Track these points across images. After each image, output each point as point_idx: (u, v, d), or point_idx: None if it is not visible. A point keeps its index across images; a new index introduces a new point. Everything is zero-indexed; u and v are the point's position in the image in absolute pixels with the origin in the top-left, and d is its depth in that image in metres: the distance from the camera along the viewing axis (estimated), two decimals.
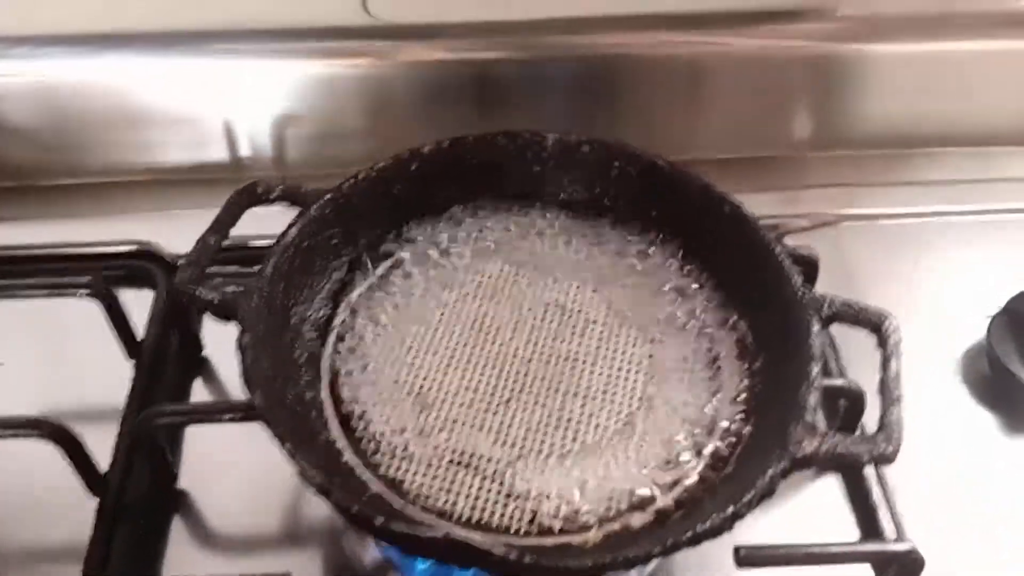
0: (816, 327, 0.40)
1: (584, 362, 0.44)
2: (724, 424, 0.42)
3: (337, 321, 0.46)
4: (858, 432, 0.46)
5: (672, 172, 0.47)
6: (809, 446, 0.36)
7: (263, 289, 0.42)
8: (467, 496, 0.39)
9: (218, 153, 0.65)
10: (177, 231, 0.52)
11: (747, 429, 0.41)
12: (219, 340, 0.53)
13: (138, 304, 0.54)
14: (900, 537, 0.42)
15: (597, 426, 0.42)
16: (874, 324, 0.40)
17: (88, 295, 0.52)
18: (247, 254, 0.52)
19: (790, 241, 0.48)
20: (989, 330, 0.52)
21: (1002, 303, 0.53)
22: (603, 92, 0.64)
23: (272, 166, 0.65)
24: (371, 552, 0.43)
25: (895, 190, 0.65)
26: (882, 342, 0.40)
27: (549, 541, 0.37)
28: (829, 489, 0.47)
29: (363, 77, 0.62)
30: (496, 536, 0.37)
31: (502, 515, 0.39)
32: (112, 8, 0.61)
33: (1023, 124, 0.67)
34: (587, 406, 0.43)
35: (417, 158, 0.49)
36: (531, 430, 0.42)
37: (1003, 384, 0.51)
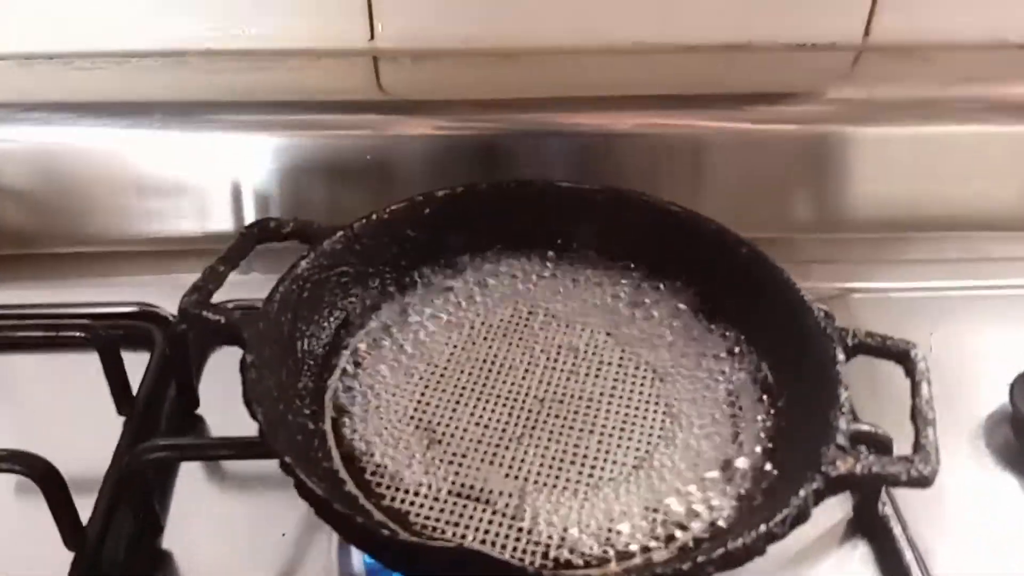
0: (841, 356, 0.39)
1: (599, 401, 0.43)
2: (748, 461, 0.40)
3: (343, 356, 0.44)
4: None
5: (686, 217, 0.47)
6: (844, 466, 0.34)
7: (269, 314, 0.41)
8: (477, 530, 0.37)
9: (223, 223, 0.65)
10: (177, 298, 0.52)
11: (772, 465, 0.39)
12: (215, 399, 0.52)
13: (134, 367, 0.52)
14: None
15: (614, 462, 0.40)
16: (901, 353, 0.39)
17: (86, 342, 0.50)
18: None
19: None
20: (1012, 393, 0.51)
21: (1022, 369, 0.52)
22: (601, 169, 0.65)
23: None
24: None
25: (900, 267, 0.65)
26: (910, 371, 0.38)
27: (567, 573, 0.35)
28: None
29: (373, 148, 0.63)
30: None
31: (515, 548, 0.36)
32: (120, 78, 0.63)
33: (1019, 209, 0.68)
34: (603, 443, 0.41)
35: (430, 203, 0.48)
36: (545, 465, 0.40)
37: None
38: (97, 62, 0.64)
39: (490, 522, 0.37)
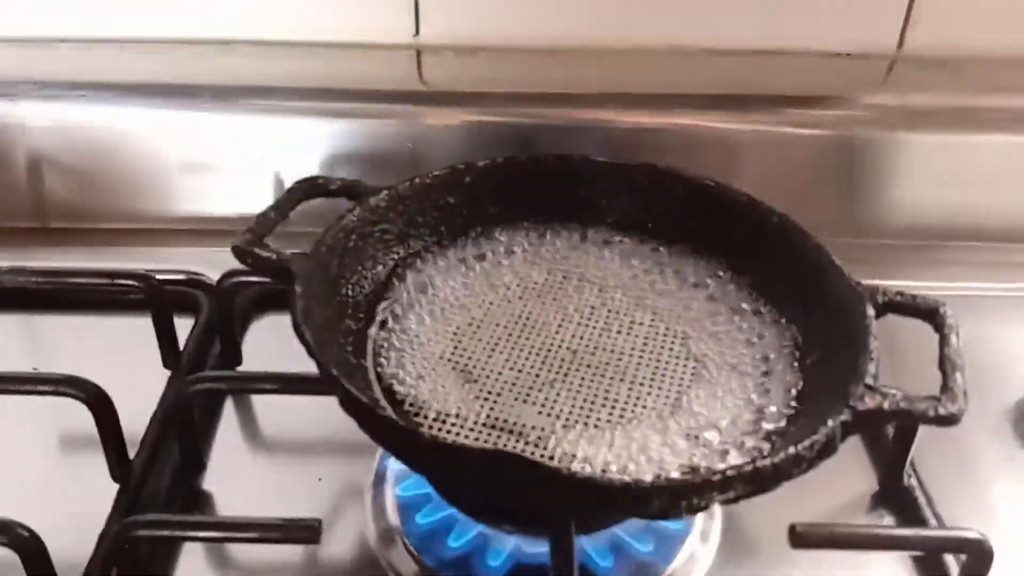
0: (871, 311, 0.40)
1: (631, 355, 0.44)
2: (777, 408, 0.40)
3: (384, 305, 0.46)
4: None
5: (718, 189, 0.49)
6: (872, 402, 0.35)
7: (318, 255, 0.43)
8: None
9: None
10: (221, 270, 0.54)
11: (802, 412, 0.40)
12: (257, 360, 0.53)
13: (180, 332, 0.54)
14: None
15: (644, 407, 0.41)
16: (930, 310, 0.40)
17: (139, 292, 0.52)
18: None
19: None
20: None
21: None
22: None
23: (309, 221, 0.66)
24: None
25: (928, 270, 0.65)
26: (939, 325, 0.39)
27: (598, 477, 0.35)
28: None
29: (413, 137, 0.65)
30: None
31: None
32: (171, 62, 0.66)
33: None
34: (633, 390, 0.42)
35: (471, 171, 0.50)
36: (576, 406, 0.41)
37: None
38: (150, 47, 0.67)
39: (522, 451, 0.38)
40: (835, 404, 0.36)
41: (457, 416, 0.40)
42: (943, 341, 0.38)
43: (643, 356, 0.44)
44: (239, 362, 0.54)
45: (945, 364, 0.37)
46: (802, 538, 0.36)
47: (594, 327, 0.45)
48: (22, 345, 0.58)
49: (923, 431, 0.46)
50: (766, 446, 0.38)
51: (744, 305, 0.47)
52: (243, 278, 0.53)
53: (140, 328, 0.54)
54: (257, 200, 0.65)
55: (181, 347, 0.53)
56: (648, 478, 0.34)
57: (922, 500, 0.45)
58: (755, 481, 0.32)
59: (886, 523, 0.45)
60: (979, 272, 0.64)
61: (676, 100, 0.66)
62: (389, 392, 0.41)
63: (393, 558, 0.43)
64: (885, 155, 0.66)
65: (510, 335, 0.45)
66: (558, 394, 0.41)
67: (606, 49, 0.69)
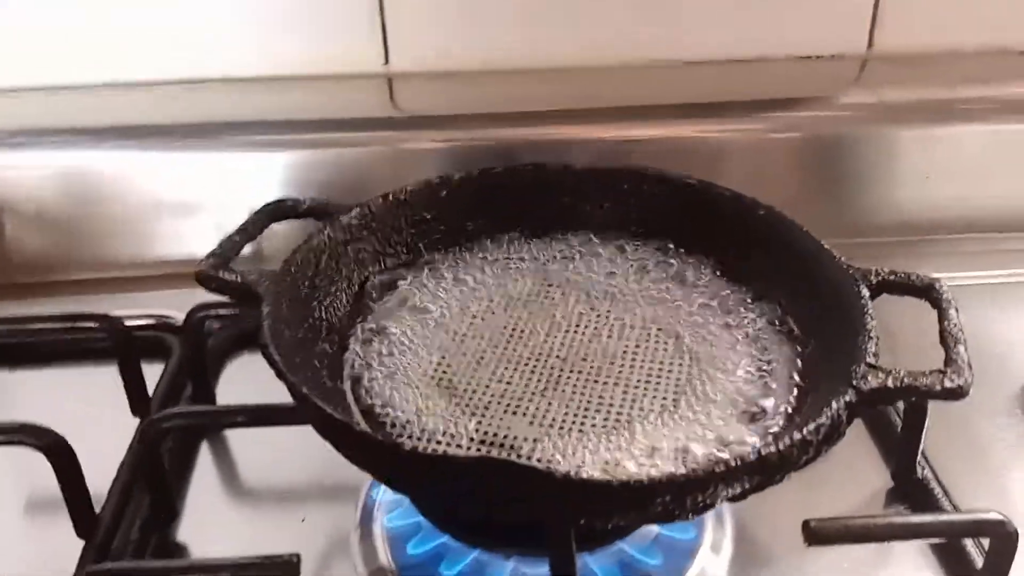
0: (866, 292, 0.38)
1: (623, 358, 0.42)
2: (778, 402, 0.39)
3: (361, 324, 0.44)
4: None
5: (702, 187, 0.48)
6: (876, 380, 0.33)
7: (286, 277, 0.41)
8: None
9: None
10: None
11: (803, 402, 0.38)
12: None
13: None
14: None
15: (641, 409, 0.39)
16: (925, 286, 0.38)
17: (104, 339, 0.50)
18: None
19: None
20: None
21: None
22: None
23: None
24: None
25: (915, 263, 0.63)
26: (936, 300, 0.38)
27: (593, 479, 0.33)
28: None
29: (388, 162, 0.64)
30: None
31: None
32: (140, 104, 0.65)
33: None
34: (628, 393, 0.40)
35: (447, 185, 0.49)
36: (569, 414, 0.39)
37: None
38: (119, 90, 0.66)
39: None
40: (838, 388, 0.34)
41: (444, 433, 0.38)
42: (942, 315, 0.37)
43: (636, 359, 0.42)
44: (213, 403, 0.52)
45: (947, 338, 0.35)
46: (816, 534, 0.34)
47: (583, 333, 0.44)
48: None
49: (932, 421, 0.44)
50: (770, 441, 0.36)
51: (737, 300, 0.45)
52: (214, 311, 0.51)
53: (107, 378, 0.51)
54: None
55: (150, 394, 0.51)
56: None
57: (938, 491, 0.43)
58: (761, 471, 0.30)
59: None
60: (967, 262, 0.63)
61: (655, 111, 0.65)
62: (370, 415, 0.39)
63: None
64: (864, 152, 0.65)
65: (496, 347, 0.43)
66: (550, 403, 0.39)
67: (583, 67, 0.68)
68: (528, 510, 0.31)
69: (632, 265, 0.48)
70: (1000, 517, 0.35)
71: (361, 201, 0.48)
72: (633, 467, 0.35)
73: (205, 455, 0.49)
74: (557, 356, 0.42)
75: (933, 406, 0.43)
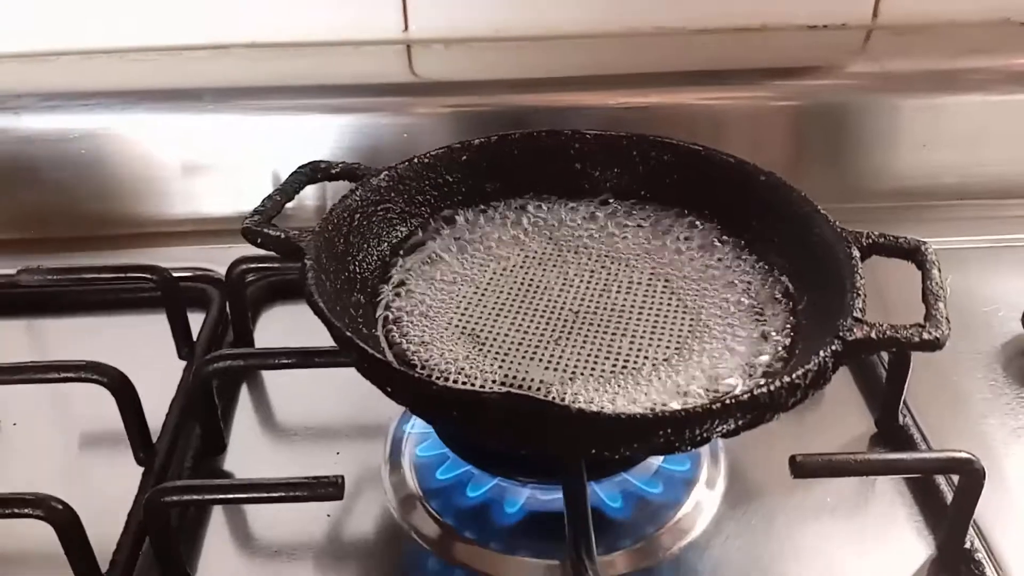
0: (856, 253, 0.42)
1: (631, 311, 0.46)
2: (772, 351, 0.42)
3: (391, 280, 0.48)
4: None
5: (708, 155, 0.51)
6: (860, 332, 0.37)
7: (324, 232, 0.45)
8: None
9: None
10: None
11: (795, 354, 0.41)
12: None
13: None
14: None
15: (646, 357, 0.43)
16: (912, 248, 0.42)
17: (152, 285, 0.54)
18: None
19: None
20: None
21: None
22: None
23: (315, 216, 0.68)
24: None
25: (912, 228, 0.66)
26: (920, 261, 0.41)
27: (604, 413, 0.37)
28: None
29: (407, 127, 0.67)
30: None
31: None
32: (175, 66, 0.68)
33: None
34: (635, 343, 0.44)
35: (467, 149, 0.52)
36: (582, 360, 0.43)
37: None
38: (147, 55, 0.69)
39: None
40: (826, 338, 0.38)
41: (468, 375, 0.42)
42: (925, 275, 0.40)
43: (643, 312, 0.46)
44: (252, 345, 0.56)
45: (928, 296, 0.39)
46: (802, 467, 0.38)
47: (594, 289, 0.47)
48: (35, 348, 0.60)
49: (917, 374, 0.48)
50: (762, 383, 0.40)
51: (737, 260, 0.49)
52: (252, 265, 0.55)
53: (152, 325, 0.56)
54: (257, 198, 0.68)
55: (194, 339, 0.55)
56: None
57: (917, 436, 0.47)
58: (753, 409, 0.34)
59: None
60: (962, 227, 0.66)
61: (663, 79, 0.68)
62: (402, 358, 0.43)
63: (416, 521, 0.45)
64: (867, 120, 0.68)
65: (514, 300, 0.47)
66: (563, 350, 0.43)
67: (594, 34, 0.71)
68: (545, 442, 0.35)
69: (640, 227, 0.51)
70: (968, 456, 0.39)
71: (386, 164, 0.52)
72: (638, 407, 0.39)
73: (244, 396, 0.54)
74: (570, 309, 0.46)
75: (918, 360, 0.47)
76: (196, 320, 0.57)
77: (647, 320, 0.45)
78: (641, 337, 0.44)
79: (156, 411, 0.49)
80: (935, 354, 0.38)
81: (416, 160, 0.51)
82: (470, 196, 0.53)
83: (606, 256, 0.50)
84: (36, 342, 0.61)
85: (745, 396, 0.34)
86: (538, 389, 0.41)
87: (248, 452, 0.50)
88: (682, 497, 0.44)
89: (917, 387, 0.49)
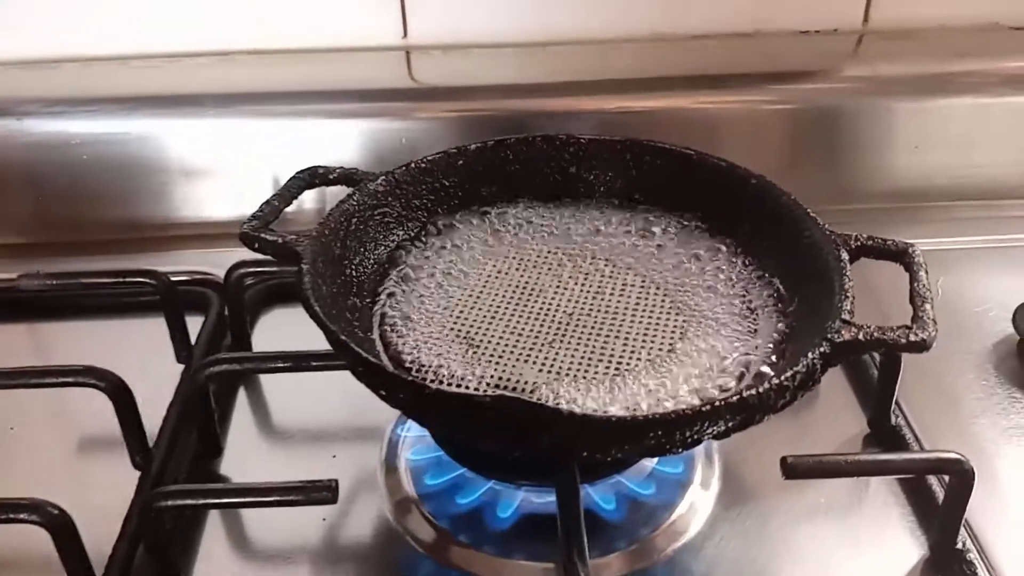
0: (845, 255, 0.42)
1: (624, 314, 0.46)
2: (763, 352, 0.43)
3: (387, 282, 0.48)
4: None
5: (700, 159, 0.51)
6: (848, 334, 0.37)
7: (321, 237, 0.45)
8: None
9: None
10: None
11: (786, 355, 0.42)
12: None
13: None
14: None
15: (639, 359, 0.43)
16: (900, 251, 0.42)
17: (152, 290, 0.54)
18: None
19: None
20: (1015, 319, 0.54)
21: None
22: None
23: (315, 219, 0.69)
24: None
25: (906, 229, 0.66)
26: (908, 264, 0.42)
27: (594, 415, 0.38)
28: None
29: (406, 132, 0.67)
30: None
31: None
32: (177, 72, 0.68)
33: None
34: (628, 345, 0.44)
35: (464, 154, 0.53)
36: (575, 363, 0.43)
37: None
38: (150, 62, 0.69)
39: None
40: (814, 340, 0.38)
41: (463, 378, 0.42)
42: (912, 277, 0.41)
43: (636, 314, 0.46)
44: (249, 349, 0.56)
45: (915, 297, 0.39)
46: (793, 468, 0.38)
47: (588, 291, 0.48)
48: (35, 352, 0.60)
49: (908, 374, 0.49)
50: (751, 385, 0.40)
51: (728, 263, 0.49)
52: (250, 269, 0.55)
53: (152, 329, 0.56)
54: (258, 202, 0.68)
55: (192, 343, 0.56)
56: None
57: (909, 436, 0.47)
58: (742, 412, 0.34)
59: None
60: (954, 228, 0.67)
61: (658, 83, 0.68)
62: (397, 361, 0.43)
63: (411, 525, 0.45)
64: (859, 124, 0.69)
65: (509, 303, 0.47)
66: (557, 353, 0.44)
67: (589, 40, 0.71)
68: (537, 444, 0.35)
69: (633, 229, 0.52)
70: (958, 456, 0.39)
71: (382, 168, 0.52)
72: (630, 409, 0.39)
73: (242, 400, 0.54)
74: (564, 311, 0.46)
75: (910, 360, 0.47)
76: (196, 323, 0.57)
77: (640, 322, 0.46)
78: (634, 339, 0.44)
79: (154, 414, 0.50)
80: (927, 354, 0.39)
81: (413, 165, 0.52)
82: (466, 200, 0.53)
83: (600, 259, 0.50)
84: (36, 346, 0.61)
85: (734, 398, 0.34)
86: (532, 391, 0.41)
87: (245, 455, 0.50)
88: (676, 498, 0.44)
89: (910, 387, 0.50)
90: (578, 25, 0.71)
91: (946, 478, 0.41)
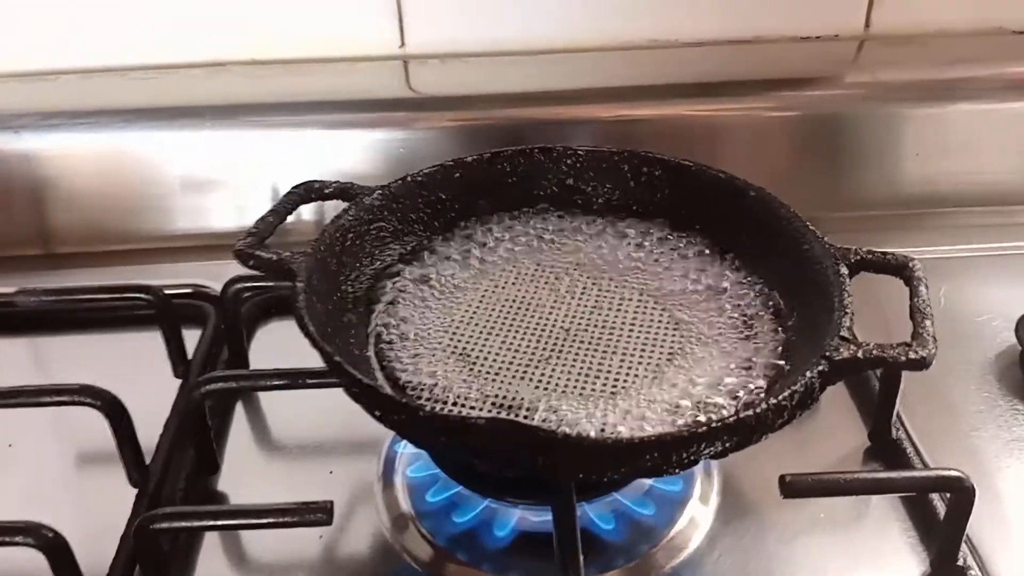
0: (844, 270, 0.42)
1: (621, 329, 0.46)
2: (762, 370, 0.42)
3: (383, 299, 0.48)
4: None
5: (698, 171, 0.51)
6: (847, 352, 0.37)
7: (316, 254, 0.45)
8: None
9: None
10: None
11: (786, 369, 0.42)
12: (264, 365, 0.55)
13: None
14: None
15: (636, 376, 0.43)
16: (900, 265, 0.42)
17: (148, 305, 0.54)
18: None
19: None
20: (1017, 330, 0.53)
21: None
22: None
23: (315, 230, 0.68)
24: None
25: (907, 237, 0.66)
26: (908, 278, 0.41)
27: (588, 439, 0.37)
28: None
29: (404, 142, 0.67)
30: None
31: None
32: (174, 83, 0.68)
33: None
34: (625, 361, 0.44)
35: (460, 167, 0.52)
36: (571, 379, 0.43)
37: None
38: (148, 73, 0.69)
39: None
40: (813, 358, 0.38)
41: (459, 396, 0.42)
42: (912, 292, 0.40)
43: (633, 330, 0.46)
44: (246, 367, 0.56)
45: (915, 313, 0.39)
46: (791, 487, 0.38)
47: (585, 306, 0.47)
48: (32, 367, 0.60)
49: (909, 386, 0.48)
50: (748, 404, 0.40)
51: (727, 276, 0.49)
52: (247, 283, 0.55)
53: (149, 342, 0.56)
54: (257, 213, 0.68)
55: (189, 357, 0.55)
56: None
57: (910, 450, 0.47)
58: (739, 432, 0.34)
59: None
60: (957, 235, 0.66)
61: (658, 91, 0.68)
62: (392, 380, 0.43)
63: (407, 543, 0.45)
64: (861, 130, 0.68)
65: (506, 319, 0.47)
66: (553, 369, 0.43)
67: (587, 48, 0.71)
68: (533, 465, 0.35)
69: (631, 242, 0.51)
70: (959, 474, 0.39)
71: (380, 178, 0.52)
72: (625, 429, 0.39)
73: (239, 415, 0.54)
74: (561, 327, 0.46)
75: (909, 372, 0.47)
76: (194, 336, 0.57)
77: (638, 337, 0.45)
78: (632, 354, 0.44)
79: (152, 429, 0.49)
80: None
81: (409, 178, 0.51)
82: (463, 213, 0.53)
83: (598, 272, 0.50)
84: (33, 361, 0.61)
85: (731, 419, 0.34)
86: (528, 409, 0.41)
87: (242, 471, 0.50)
88: (675, 515, 0.44)
89: (911, 398, 0.49)
90: (576, 34, 0.71)
91: (947, 494, 0.41)
